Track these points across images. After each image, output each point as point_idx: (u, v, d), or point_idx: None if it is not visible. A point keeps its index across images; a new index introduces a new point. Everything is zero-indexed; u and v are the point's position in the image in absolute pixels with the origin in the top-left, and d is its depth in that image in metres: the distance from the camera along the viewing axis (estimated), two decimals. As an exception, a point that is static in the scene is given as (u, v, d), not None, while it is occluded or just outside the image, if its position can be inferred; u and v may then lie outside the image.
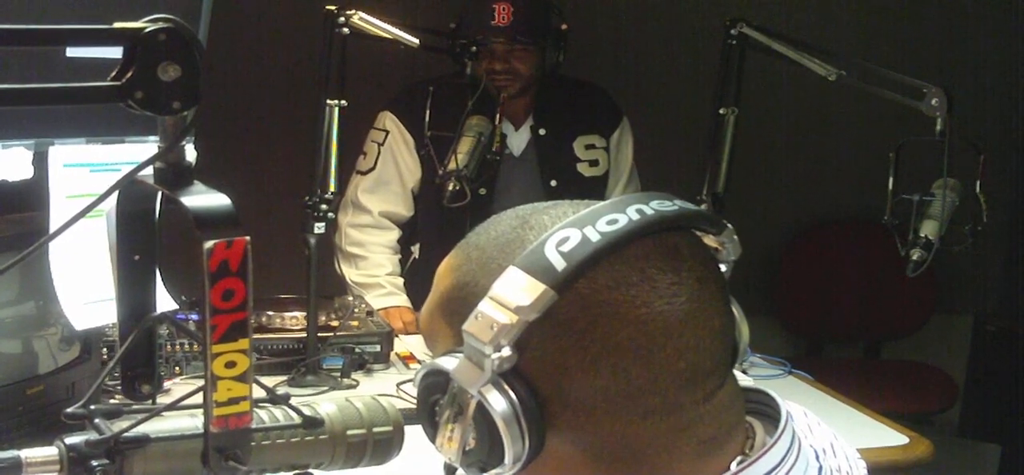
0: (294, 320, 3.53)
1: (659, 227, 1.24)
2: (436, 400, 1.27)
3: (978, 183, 3.24)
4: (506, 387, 1.20)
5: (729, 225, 1.33)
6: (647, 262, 1.22)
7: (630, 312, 1.20)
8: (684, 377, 1.22)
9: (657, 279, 1.21)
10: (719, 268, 1.31)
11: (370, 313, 3.75)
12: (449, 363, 1.24)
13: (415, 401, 1.31)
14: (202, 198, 1.18)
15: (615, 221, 1.22)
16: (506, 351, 1.19)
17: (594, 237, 1.20)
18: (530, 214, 1.31)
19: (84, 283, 2.64)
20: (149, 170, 1.24)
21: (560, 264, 1.19)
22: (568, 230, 1.22)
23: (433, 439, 1.28)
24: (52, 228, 2.54)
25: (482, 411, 1.21)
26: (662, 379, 1.21)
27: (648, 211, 1.24)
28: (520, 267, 1.20)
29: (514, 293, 1.19)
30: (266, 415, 1.36)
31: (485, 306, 1.20)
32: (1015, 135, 6.37)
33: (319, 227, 3.37)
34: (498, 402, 1.20)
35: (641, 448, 1.23)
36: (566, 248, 1.20)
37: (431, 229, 4.33)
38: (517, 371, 1.21)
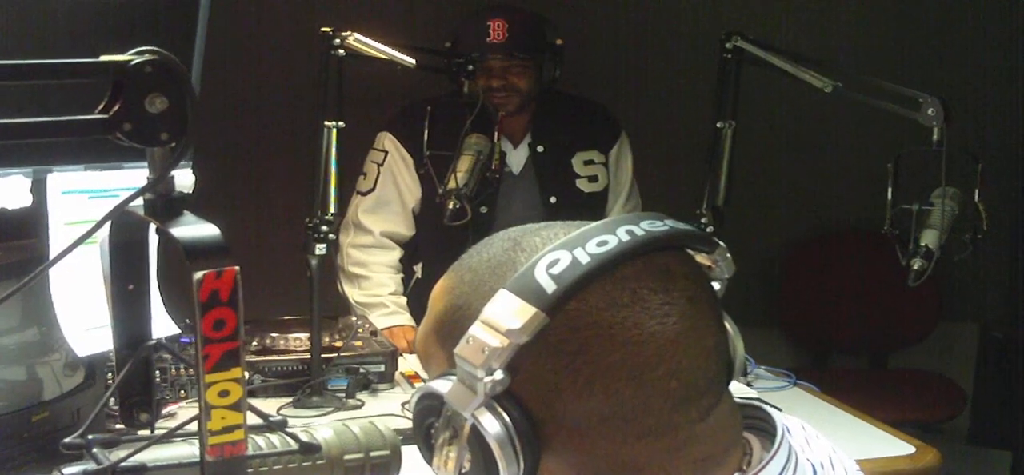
0: (298, 341, 3.53)
1: (650, 247, 1.24)
2: (431, 423, 1.27)
3: (977, 191, 3.24)
4: (499, 410, 1.21)
5: (721, 243, 1.33)
6: (638, 283, 1.22)
7: (621, 333, 1.20)
8: (678, 397, 1.23)
9: (648, 300, 1.22)
10: (711, 287, 1.31)
11: (374, 333, 3.74)
12: (443, 386, 1.25)
13: (412, 425, 1.31)
14: (191, 228, 1.18)
15: (605, 242, 1.22)
16: (498, 374, 1.19)
17: (584, 259, 1.21)
18: (521, 236, 1.32)
19: (85, 309, 2.64)
20: (140, 200, 1.24)
21: (550, 287, 1.19)
22: (559, 252, 1.22)
23: (429, 461, 1.28)
24: (52, 255, 2.55)
25: (476, 433, 1.21)
26: (655, 399, 1.22)
27: (638, 232, 1.24)
28: (511, 290, 1.21)
29: (505, 316, 1.19)
30: (263, 442, 1.37)
31: (476, 329, 1.21)
32: (1013, 143, 6.38)
33: (320, 248, 3.37)
34: (491, 425, 1.20)
35: (636, 468, 1.24)
36: (556, 270, 1.20)
37: (433, 248, 4.33)
38: (510, 393, 1.21)
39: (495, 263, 1.29)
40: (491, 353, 1.19)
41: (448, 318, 1.30)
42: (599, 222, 1.27)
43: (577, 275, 1.20)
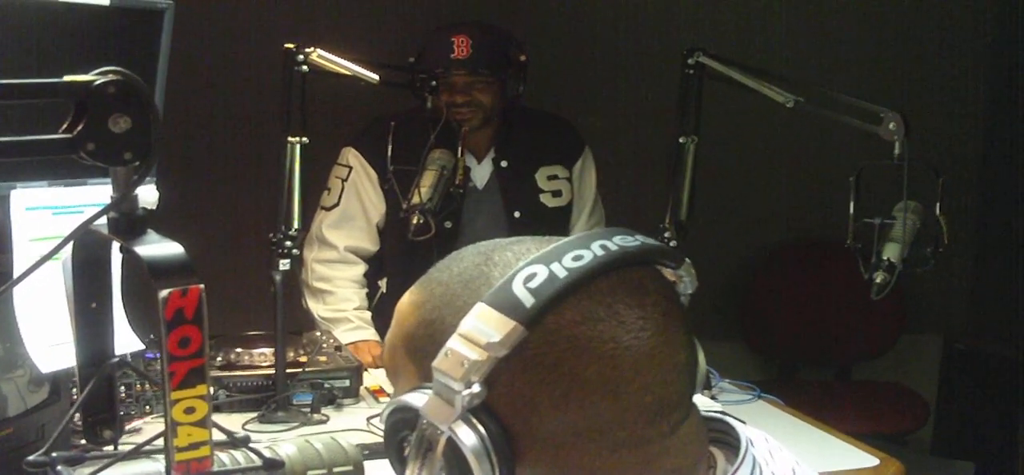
0: (263, 357, 3.52)
1: (623, 262, 1.25)
2: (404, 436, 1.27)
3: (937, 205, 3.26)
4: (476, 423, 1.21)
5: (687, 259, 1.34)
6: (613, 297, 1.23)
7: (598, 347, 1.21)
8: (651, 411, 1.23)
9: (624, 314, 1.23)
10: (681, 302, 1.32)
11: (338, 348, 3.73)
12: (418, 400, 1.25)
13: (384, 438, 1.31)
14: (156, 247, 1.18)
15: (581, 257, 1.23)
16: (476, 387, 1.20)
17: (561, 273, 1.21)
18: (492, 250, 1.32)
19: (49, 325, 2.63)
20: (103, 219, 1.25)
21: (528, 300, 1.20)
22: (535, 266, 1.22)
23: (401, 474, 1.28)
24: (16, 272, 2.55)
25: (452, 447, 1.21)
26: (630, 413, 1.22)
27: (612, 246, 1.25)
28: (488, 303, 1.21)
29: (483, 330, 1.20)
30: (227, 458, 1.37)
31: (455, 343, 1.21)
32: (973, 156, 6.42)
33: (284, 264, 3.35)
34: (468, 438, 1.20)
35: None
36: (534, 284, 1.21)
37: (398, 263, 4.32)
38: (486, 407, 1.21)
39: (467, 277, 1.29)
40: (470, 366, 1.19)
41: (419, 332, 1.30)
42: (573, 237, 1.28)
43: (555, 289, 1.20)
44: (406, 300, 1.35)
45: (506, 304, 1.20)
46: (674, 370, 1.26)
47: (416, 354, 1.30)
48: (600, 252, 1.24)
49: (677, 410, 1.27)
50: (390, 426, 1.29)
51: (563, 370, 1.21)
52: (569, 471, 1.24)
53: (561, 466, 1.23)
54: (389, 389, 3.59)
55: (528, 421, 1.22)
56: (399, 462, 1.29)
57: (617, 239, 1.26)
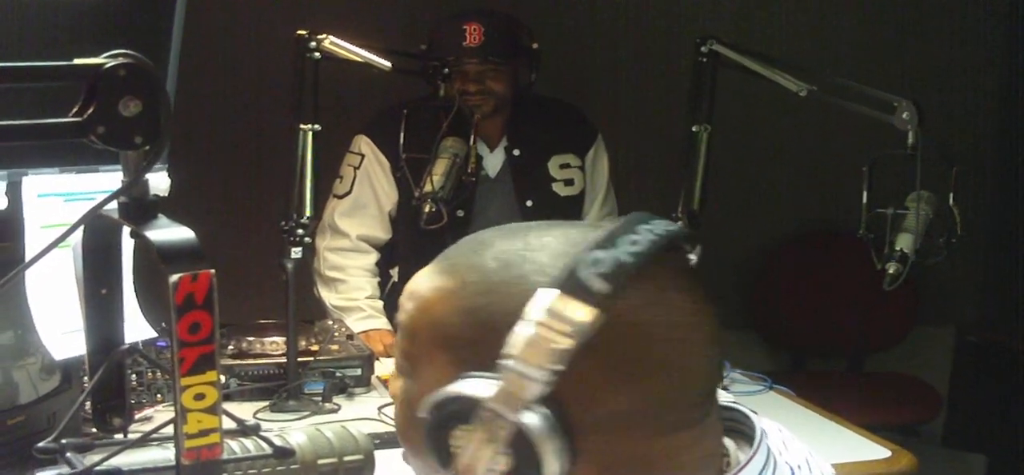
0: (274, 345, 3.51)
1: (667, 247, 1.24)
2: (454, 427, 1.23)
3: (951, 195, 3.25)
4: (544, 410, 1.19)
5: (699, 245, 1.33)
6: (664, 281, 1.24)
7: (656, 332, 1.22)
8: (695, 393, 1.25)
9: (672, 298, 1.24)
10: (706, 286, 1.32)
11: (350, 337, 3.73)
12: (481, 389, 1.21)
13: (426, 432, 1.26)
14: (166, 232, 1.18)
15: (636, 242, 1.22)
16: (551, 374, 1.18)
17: (626, 259, 1.20)
18: (527, 233, 1.30)
19: (61, 312, 2.63)
20: (114, 204, 1.24)
21: (603, 286, 1.18)
22: (598, 252, 1.21)
23: (445, 467, 1.24)
24: (28, 259, 2.54)
25: (520, 437, 1.19)
26: (680, 395, 1.24)
27: (659, 231, 1.24)
28: (560, 289, 1.19)
29: (561, 315, 1.17)
30: (237, 446, 1.36)
31: (528, 329, 1.18)
32: (987, 146, 6.41)
33: (296, 252, 3.36)
34: (538, 425, 1.18)
35: (652, 462, 1.24)
36: (604, 270, 1.19)
37: (410, 252, 4.32)
38: (552, 395, 1.19)
39: (506, 261, 1.27)
40: (549, 354, 1.17)
41: (455, 320, 1.27)
42: (619, 221, 1.26)
43: (624, 274, 1.19)
44: (428, 286, 1.32)
45: (580, 290, 1.18)
46: (714, 353, 1.27)
47: (451, 342, 1.27)
48: (650, 237, 1.23)
49: (712, 393, 1.29)
50: (437, 420, 1.24)
51: (624, 355, 1.21)
52: (618, 453, 1.23)
53: (612, 448, 1.23)
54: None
55: (586, 406, 1.21)
56: (441, 456, 1.24)
57: (656, 224, 1.26)
